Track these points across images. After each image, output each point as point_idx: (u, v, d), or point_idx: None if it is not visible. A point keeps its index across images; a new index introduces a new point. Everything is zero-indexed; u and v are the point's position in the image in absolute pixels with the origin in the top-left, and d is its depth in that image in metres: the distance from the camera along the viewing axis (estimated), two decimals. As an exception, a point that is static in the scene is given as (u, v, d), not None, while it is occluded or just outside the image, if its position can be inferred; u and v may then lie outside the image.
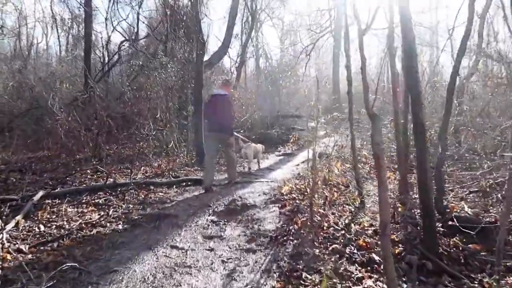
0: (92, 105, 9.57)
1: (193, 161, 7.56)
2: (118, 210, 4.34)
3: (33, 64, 16.08)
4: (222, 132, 5.59)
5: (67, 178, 5.66)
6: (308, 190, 4.62)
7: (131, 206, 4.51)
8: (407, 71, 2.60)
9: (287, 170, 7.61)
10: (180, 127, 9.74)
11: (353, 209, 3.93)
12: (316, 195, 3.86)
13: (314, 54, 22.45)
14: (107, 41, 14.28)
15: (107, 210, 4.28)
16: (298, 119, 17.89)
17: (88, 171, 6.18)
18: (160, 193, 5.22)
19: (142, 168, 6.80)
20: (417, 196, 4.45)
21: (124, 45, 14.22)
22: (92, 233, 3.64)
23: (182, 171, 6.75)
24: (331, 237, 3.18)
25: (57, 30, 21.32)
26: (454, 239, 3.07)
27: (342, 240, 3.09)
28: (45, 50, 21.90)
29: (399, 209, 3.54)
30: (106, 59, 13.58)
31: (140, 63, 10.25)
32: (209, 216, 4.23)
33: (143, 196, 4.95)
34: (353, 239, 3.07)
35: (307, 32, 22.07)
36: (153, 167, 7.01)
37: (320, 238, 3.14)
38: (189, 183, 5.94)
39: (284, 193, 4.77)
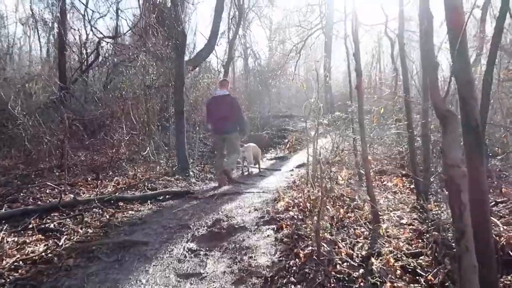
0: (65, 107, 8.64)
1: (174, 169, 6.69)
2: (72, 237, 3.45)
3: (12, 66, 15.00)
4: (227, 132, 5.76)
5: (21, 195, 4.75)
6: (308, 205, 3.82)
7: (90, 231, 3.63)
8: (458, 50, 1.79)
9: (281, 177, 6.81)
10: (163, 130, 8.87)
11: (367, 232, 3.14)
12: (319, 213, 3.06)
13: (304, 52, 21.76)
14: (86, 39, 13.30)
15: (58, 239, 3.39)
16: (290, 119, 17.15)
17: (49, 183, 5.26)
18: (131, 211, 4.35)
19: (115, 178, 5.91)
20: (437, 210, 3.69)
21: (102, 43, 13.25)
22: (29, 274, 2.76)
23: (160, 182, 5.87)
24: (346, 278, 2.36)
25: (37, 30, 20.16)
26: (510, 278, 2.30)
27: (362, 284, 2.28)
28: (27, 52, 20.68)
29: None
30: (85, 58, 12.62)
31: (115, 60, 9.36)
32: (187, 242, 3.39)
33: (108, 217, 4.07)
34: (377, 282, 2.27)
35: (296, 30, 21.39)
36: (127, 176, 6.11)
37: (332, 281, 2.33)
38: (167, 196, 5.09)
39: (280, 210, 3.94)
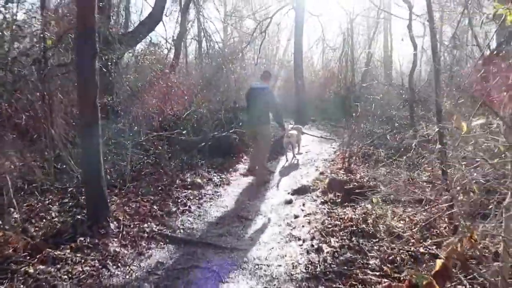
0: None
1: (79, 217, 3.47)
2: None
3: None
4: (258, 125, 5.54)
5: None
6: None
7: None
8: None
9: (278, 221, 3.90)
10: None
11: None
12: None
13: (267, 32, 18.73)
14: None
15: None
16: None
17: None
18: None
19: None
20: None
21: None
22: None
23: (37, 268, 2.63)
24: None
25: None
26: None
27: None
28: None
29: None
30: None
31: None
32: None
33: None
34: None
35: (260, 6, 18.42)
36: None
37: None
38: None
39: None
